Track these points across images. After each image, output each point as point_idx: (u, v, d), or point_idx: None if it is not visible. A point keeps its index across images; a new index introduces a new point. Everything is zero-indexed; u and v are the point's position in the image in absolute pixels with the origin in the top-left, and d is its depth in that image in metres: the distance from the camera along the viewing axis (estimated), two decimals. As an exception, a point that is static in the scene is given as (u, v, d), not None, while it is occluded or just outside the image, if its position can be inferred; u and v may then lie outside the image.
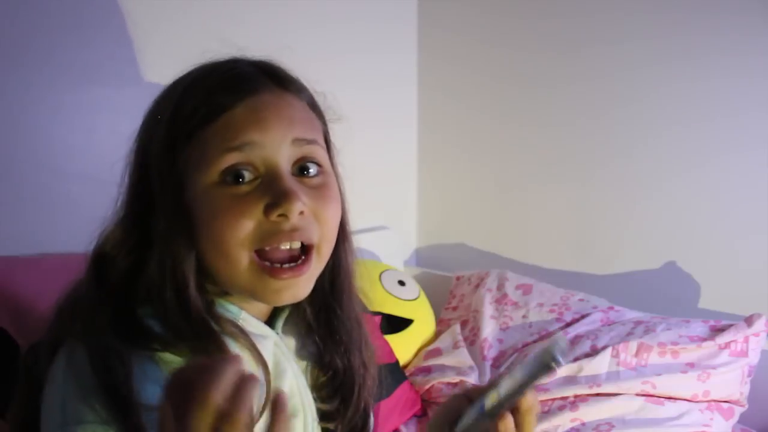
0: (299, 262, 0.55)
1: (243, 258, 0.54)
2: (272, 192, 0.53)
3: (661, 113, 1.45)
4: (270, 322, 0.63)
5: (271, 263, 0.54)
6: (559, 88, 1.61)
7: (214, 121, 0.54)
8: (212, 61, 0.60)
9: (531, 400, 0.52)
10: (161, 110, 0.57)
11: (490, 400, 0.52)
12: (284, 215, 0.53)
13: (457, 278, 1.63)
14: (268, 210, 0.53)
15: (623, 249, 1.55)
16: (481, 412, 0.53)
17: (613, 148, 1.54)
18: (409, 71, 1.90)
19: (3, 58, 1.01)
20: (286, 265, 0.55)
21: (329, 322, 0.66)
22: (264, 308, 0.63)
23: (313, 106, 0.62)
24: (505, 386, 0.52)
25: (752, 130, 1.33)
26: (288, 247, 0.55)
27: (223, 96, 0.55)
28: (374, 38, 1.74)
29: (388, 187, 1.86)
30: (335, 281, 0.65)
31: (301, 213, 0.54)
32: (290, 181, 0.54)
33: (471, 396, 0.58)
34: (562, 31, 1.59)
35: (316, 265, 0.58)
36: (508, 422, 0.51)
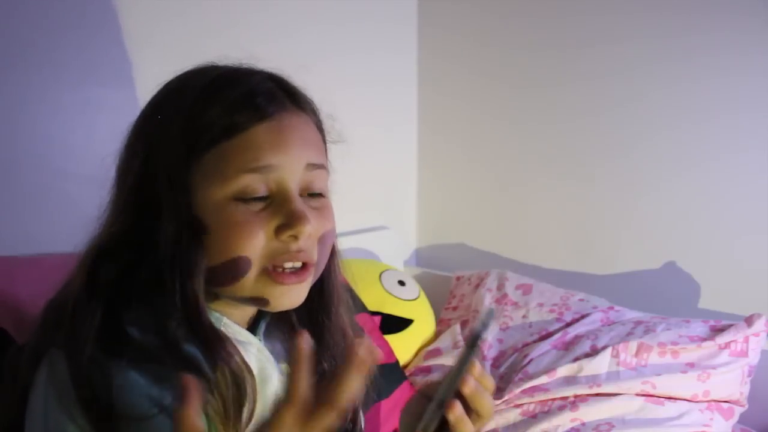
0: (300, 269, 0.57)
1: (251, 272, 0.55)
2: (284, 213, 0.55)
3: (661, 113, 1.45)
4: (251, 329, 0.63)
5: (274, 268, 0.56)
6: (559, 88, 1.61)
7: (234, 137, 0.55)
8: (221, 65, 0.59)
9: (471, 382, 0.51)
10: (170, 112, 0.56)
11: (439, 392, 0.52)
12: (294, 236, 0.55)
13: (457, 278, 1.63)
14: (279, 230, 0.55)
15: (623, 249, 1.55)
16: (434, 408, 0.52)
17: (613, 147, 1.54)
18: (409, 71, 1.90)
19: (2, 57, 1.01)
20: (289, 270, 0.56)
21: (314, 327, 0.66)
22: (246, 315, 0.63)
23: (321, 127, 0.63)
24: (449, 375, 0.52)
25: (752, 130, 1.33)
26: (291, 266, 0.56)
27: (246, 114, 0.55)
28: (374, 38, 1.74)
29: (388, 187, 1.86)
30: (323, 291, 0.67)
31: (309, 235, 0.56)
32: (301, 204, 0.56)
33: (427, 393, 0.58)
34: (562, 31, 1.59)
35: (312, 279, 0.60)
36: (456, 410, 0.51)
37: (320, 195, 0.60)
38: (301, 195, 0.58)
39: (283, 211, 0.55)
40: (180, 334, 0.54)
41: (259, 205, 0.55)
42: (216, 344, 0.54)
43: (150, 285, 0.54)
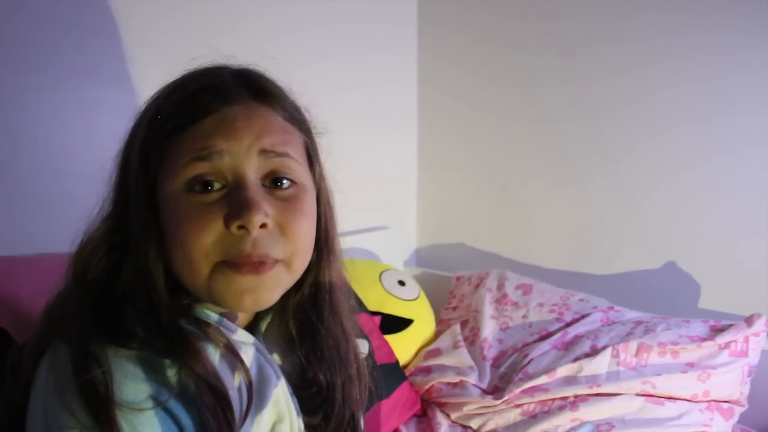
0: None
1: (204, 267, 0.53)
2: (234, 202, 0.53)
3: (660, 113, 1.45)
4: (250, 330, 0.62)
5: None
6: (559, 88, 1.61)
7: (186, 129, 0.55)
8: (202, 67, 0.60)
9: None
10: (145, 113, 0.58)
11: None
12: (244, 227, 0.52)
13: (457, 278, 1.63)
14: (228, 221, 0.52)
15: (623, 249, 1.55)
16: None
17: (613, 148, 1.54)
18: (409, 71, 1.90)
19: (3, 58, 1.01)
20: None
21: (312, 339, 0.65)
22: (244, 316, 0.62)
23: (294, 120, 0.61)
24: None
25: (752, 130, 1.33)
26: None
27: (197, 105, 0.55)
28: (374, 38, 1.74)
29: (388, 187, 1.86)
30: (316, 297, 0.65)
31: (264, 226, 0.53)
32: (254, 192, 0.53)
33: None
34: (561, 32, 1.59)
35: (286, 276, 0.57)
36: None
37: (291, 186, 0.57)
38: (264, 185, 0.56)
39: (233, 200, 0.53)
40: (154, 328, 0.53)
41: (213, 197, 0.53)
42: (177, 341, 0.53)
43: (129, 281, 0.55)
